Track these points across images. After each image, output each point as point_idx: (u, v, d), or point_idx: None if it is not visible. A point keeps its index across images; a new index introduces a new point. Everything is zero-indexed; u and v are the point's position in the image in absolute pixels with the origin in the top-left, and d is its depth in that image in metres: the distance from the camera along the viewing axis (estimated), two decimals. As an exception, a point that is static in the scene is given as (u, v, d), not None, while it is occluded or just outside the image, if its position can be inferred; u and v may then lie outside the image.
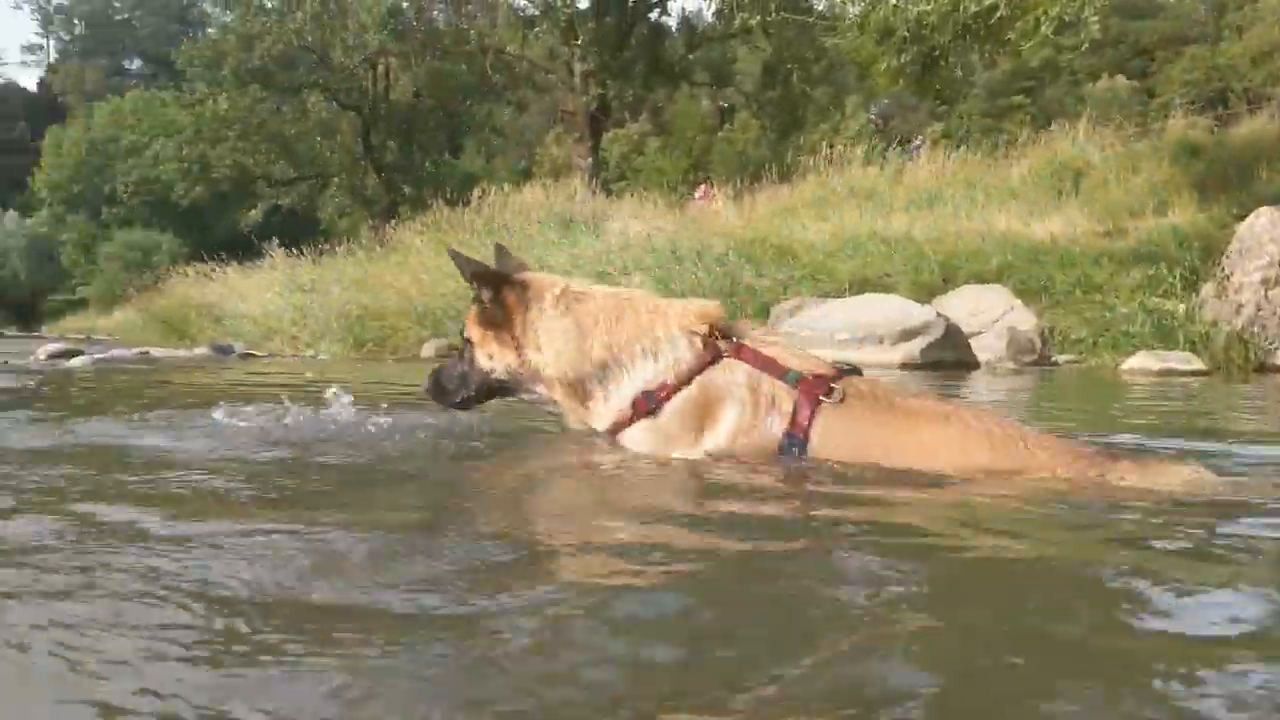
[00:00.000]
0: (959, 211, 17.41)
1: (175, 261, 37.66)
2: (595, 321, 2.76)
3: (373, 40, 37.82)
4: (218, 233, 52.27)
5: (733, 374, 2.57)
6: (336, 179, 45.89)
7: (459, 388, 3.05)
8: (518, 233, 19.70)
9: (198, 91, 41.92)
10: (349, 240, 26.60)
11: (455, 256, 3.00)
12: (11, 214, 64.45)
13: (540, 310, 2.83)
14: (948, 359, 11.28)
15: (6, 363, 9.89)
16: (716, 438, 2.56)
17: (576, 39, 33.65)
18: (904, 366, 10.86)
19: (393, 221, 27.17)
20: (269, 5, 39.43)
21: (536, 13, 35.61)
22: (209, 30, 61.07)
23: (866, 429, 2.49)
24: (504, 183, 26.48)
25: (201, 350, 14.84)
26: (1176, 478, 2.35)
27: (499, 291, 2.87)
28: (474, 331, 2.98)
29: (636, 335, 2.70)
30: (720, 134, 59.01)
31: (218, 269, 26.08)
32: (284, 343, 17.94)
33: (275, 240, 26.50)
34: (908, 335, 11.35)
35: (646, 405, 2.63)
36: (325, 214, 53.20)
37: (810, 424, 2.48)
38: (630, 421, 2.68)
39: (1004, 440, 2.44)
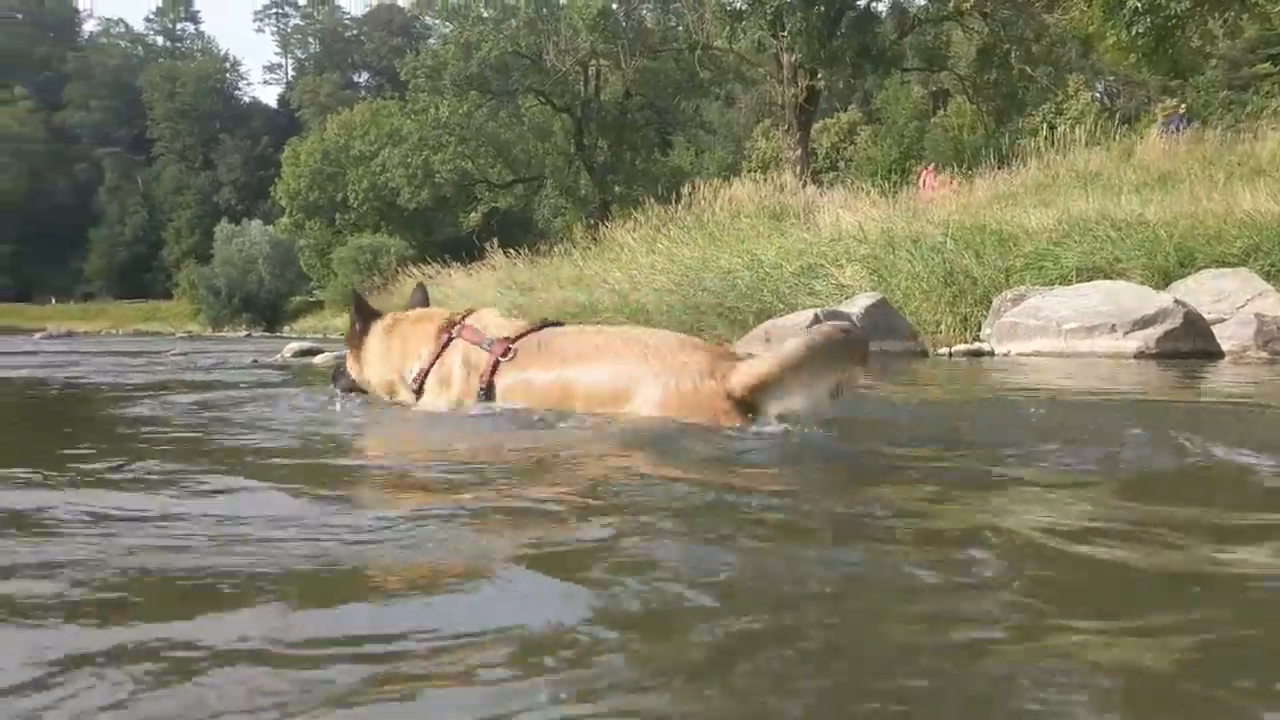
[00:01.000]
0: (1196, 191, 16.29)
1: (402, 264, 39.56)
2: (392, 345, 3.98)
3: (584, 42, 38.69)
4: (440, 235, 54.57)
5: (456, 352, 3.74)
6: (551, 180, 47.20)
7: (341, 380, 4.31)
8: (727, 227, 19.73)
9: (420, 100, 43.98)
10: (564, 240, 27.33)
11: (352, 294, 4.42)
12: (257, 223, 69.06)
13: (371, 338, 4.09)
14: (1187, 348, 10.56)
15: (256, 361, 10.64)
16: (453, 394, 3.70)
17: (784, 30, 33.42)
18: (1139, 356, 10.26)
19: (606, 221, 27.70)
20: (485, 14, 40.97)
21: (744, 6, 35.54)
22: (430, 42, 63.87)
23: (528, 372, 3.49)
24: (713, 178, 26.54)
25: (429, 347, 15.54)
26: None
27: (360, 319, 4.13)
28: (349, 346, 4.25)
29: (410, 347, 3.92)
30: (933, 120, 57.35)
31: (441, 270, 27.31)
32: (505, 339, 18.57)
33: (496, 241, 27.55)
34: (1143, 323, 10.68)
35: (418, 385, 3.83)
36: (540, 215, 54.72)
37: (492, 377, 3.55)
38: (416, 396, 3.85)
39: (656, 351, 3.18)
